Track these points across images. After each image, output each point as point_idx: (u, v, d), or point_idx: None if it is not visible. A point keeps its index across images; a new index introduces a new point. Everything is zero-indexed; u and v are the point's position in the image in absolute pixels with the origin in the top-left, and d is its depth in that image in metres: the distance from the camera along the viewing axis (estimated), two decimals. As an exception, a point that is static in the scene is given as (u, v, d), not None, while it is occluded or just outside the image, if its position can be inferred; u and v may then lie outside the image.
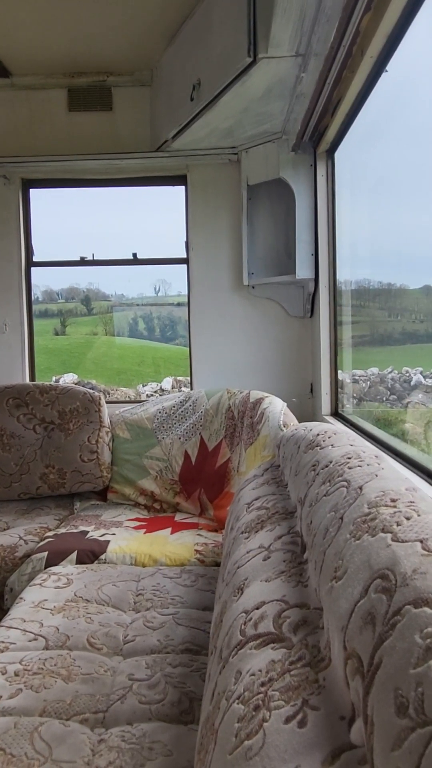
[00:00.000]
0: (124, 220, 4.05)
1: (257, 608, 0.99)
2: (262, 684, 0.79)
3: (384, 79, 2.08)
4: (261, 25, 2.11)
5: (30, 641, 1.60)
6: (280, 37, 2.05)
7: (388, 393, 2.76)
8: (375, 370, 2.88)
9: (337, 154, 2.90)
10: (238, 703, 0.80)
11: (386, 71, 2.04)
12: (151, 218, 3.97)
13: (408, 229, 2.27)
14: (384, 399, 2.78)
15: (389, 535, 0.79)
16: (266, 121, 2.84)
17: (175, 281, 4.32)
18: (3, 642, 1.59)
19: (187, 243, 3.46)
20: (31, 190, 3.52)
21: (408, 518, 0.83)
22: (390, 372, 2.79)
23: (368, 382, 2.91)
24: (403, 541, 0.76)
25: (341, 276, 2.99)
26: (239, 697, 0.81)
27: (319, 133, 2.77)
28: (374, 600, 0.69)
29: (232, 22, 2.27)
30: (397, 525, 0.81)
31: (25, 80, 3.33)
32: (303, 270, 3.05)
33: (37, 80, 3.33)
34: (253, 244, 3.33)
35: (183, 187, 3.45)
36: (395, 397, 2.72)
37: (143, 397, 4.25)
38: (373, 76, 2.07)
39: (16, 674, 1.44)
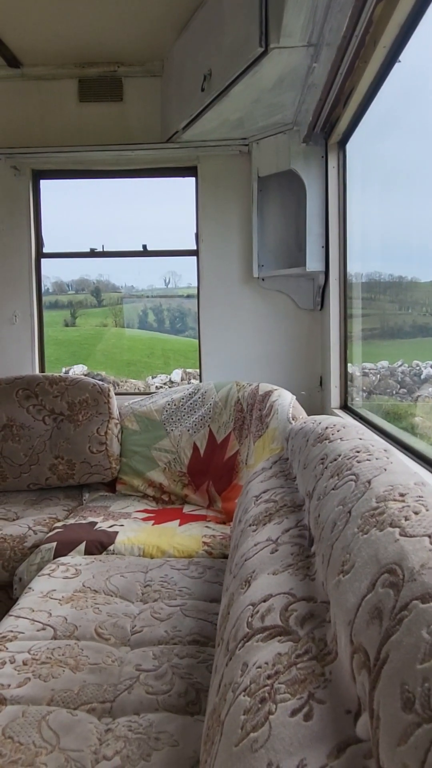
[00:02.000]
0: (134, 212, 4.04)
1: (264, 601, 0.99)
2: (269, 676, 0.79)
3: (397, 69, 2.06)
4: (273, 15, 2.09)
5: (38, 631, 1.61)
6: (292, 26, 2.03)
7: (398, 386, 2.75)
8: (385, 363, 2.87)
9: (348, 146, 2.87)
10: (244, 696, 0.80)
11: (399, 61, 2.02)
12: (161, 210, 3.96)
13: (419, 222, 2.25)
14: (394, 392, 2.76)
15: (397, 530, 0.79)
16: (277, 112, 2.81)
17: (185, 273, 4.31)
18: (12, 631, 1.60)
19: (197, 235, 3.45)
20: (41, 181, 3.52)
21: (416, 513, 0.82)
22: (400, 365, 2.77)
23: (378, 376, 2.90)
24: (411, 536, 0.75)
25: (352, 269, 2.97)
26: (245, 689, 0.81)
27: (330, 125, 2.75)
28: (381, 595, 0.69)
29: (244, 12, 2.25)
30: (406, 520, 0.81)
31: (36, 71, 3.32)
32: (313, 262, 3.03)
33: (48, 71, 3.32)
34: (263, 236, 3.32)
35: (193, 179, 3.44)
36: (405, 390, 2.71)
37: (152, 389, 4.26)
38: (385, 66, 2.04)
39: (25, 663, 1.45)
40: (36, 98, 3.38)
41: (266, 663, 0.82)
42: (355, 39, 1.89)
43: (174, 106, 3.09)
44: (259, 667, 0.83)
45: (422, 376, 2.61)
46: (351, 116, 2.53)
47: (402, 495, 0.91)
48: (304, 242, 3.05)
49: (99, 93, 3.35)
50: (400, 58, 1.99)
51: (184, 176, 3.48)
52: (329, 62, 2.11)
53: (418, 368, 2.65)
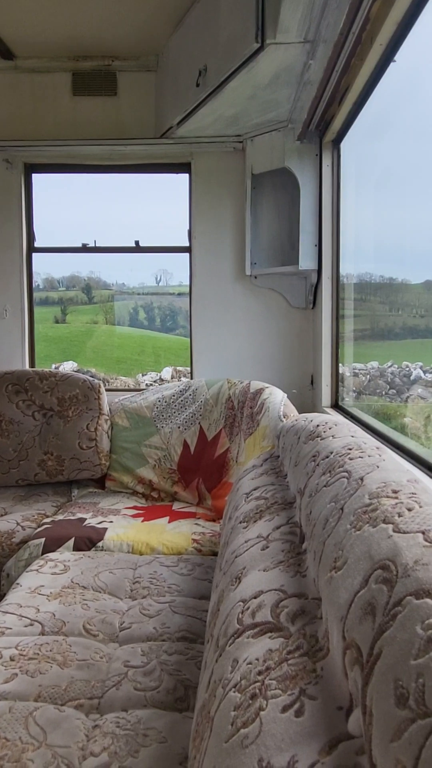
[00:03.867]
0: (126, 208, 4.02)
1: (255, 597, 0.99)
2: (259, 673, 0.79)
3: (392, 69, 2.06)
4: (269, 10, 2.08)
5: (26, 626, 1.60)
6: (289, 22, 2.02)
7: (388, 387, 2.75)
8: (375, 364, 2.87)
9: (342, 145, 2.87)
10: (234, 692, 0.79)
11: (394, 61, 2.02)
12: (154, 206, 3.94)
13: (411, 224, 2.25)
14: (383, 393, 2.77)
15: (390, 526, 0.78)
16: (272, 109, 2.81)
17: (176, 271, 4.30)
18: (-1, 627, 1.59)
19: (189, 232, 3.44)
20: (33, 175, 3.49)
21: (410, 509, 0.82)
22: (390, 366, 2.77)
23: (368, 376, 2.91)
24: (404, 532, 0.75)
25: (344, 269, 2.97)
26: (236, 685, 0.80)
27: (325, 123, 2.74)
28: (375, 591, 0.68)
29: (240, 7, 2.24)
30: (399, 516, 0.80)
31: (29, 63, 3.29)
32: (306, 261, 3.03)
33: (41, 63, 3.29)
34: (256, 233, 3.31)
35: (187, 175, 3.43)
36: (394, 391, 2.72)
37: (142, 387, 4.24)
38: (381, 64, 2.04)
39: (12, 659, 1.43)
40: (29, 91, 3.35)
41: (257, 659, 0.82)
42: (351, 36, 1.89)
43: (168, 101, 3.08)
44: (250, 663, 0.82)
45: (411, 377, 2.61)
46: (346, 115, 2.53)
47: (395, 492, 0.90)
48: (297, 240, 3.05)
49: (93, 87, 3.32)
50: (396, 57, 1.99)
51: (177, 172, 3.47)
52: (325, 59, 2.10)
53: (407, 369, 2.65)
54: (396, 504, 0.85)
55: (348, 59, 2.03)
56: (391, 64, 2.04)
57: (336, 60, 2.06)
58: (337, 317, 3.00)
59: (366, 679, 0.61)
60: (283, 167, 3.02)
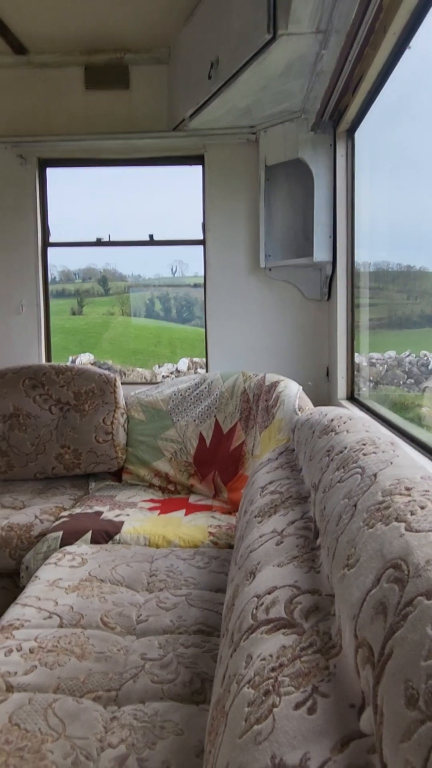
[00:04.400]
0: (140, 201, 4.02)
1: (269, 593, 0.99)
2: (273, 669, 0.79)
3: (407, 56, 2.03)
4: (281, 1, 2.06)
5: (45, 619, 1.62)
6: (301, 12, 2.00)
7: (405, 377, 2.74)
8: (392, 353, 2.85)
9: (357, 134, 2.84)
10: (248, 688, 0.80)
11: (409, 48, 1.99)
12: (167, 199, 3.94)
13: (429, 211, 2.22)
14: (401, 383, 2.75)
15: (403, 525, 0.78)
16: (285, 100, 2.79)
17: (192, 262, 4.28)
18: (18, 619, 1.62)
19: (203, 224, 3.44)
20: (47, 170, 3.51)
21: (422, 507, 0.82)
22: (408, 356, 2.76)
23: (385, 366, 2.89)
24: (416, 531, 0.75)
25: (359, 258, 2.95)
26: (249, 681, 0.81)
27: (339, 113, 2.72)
28: (386, 590, 0.68)
29: (252, -2, 2.22)
30: (411, 514, 0.80)
31: (42, 58, 3.30)
32: (321, 252, 3.01)
33: (54, 58, 3.29)
34: (270, 225, 3.30)
35: (200, 168, 3.42)
36: (412, 381, 2.70)
37: (159, 378, 4.26)
38: (395, 52, 2.01)
39: (31, 651, 1.46)
40: (42, 86, 3.36)
41: (270, 655, 0.83)
42: (364, 25, 1.87)
43: (181, 93, 3.07)
44: (264, 659, 0.83)
45: (430, 367, 2.60)
46: (360, 104, 2.50)
47: (408, 489, 0.90)
48: (311, 232, 3.03)
49: (105, 80, 3.32)
50: (411, 44, 1.96)
51: (190, 165, 3.46)
52: (338, 49, 2.08)
53: (425, 358, 2.63)
54: (409, 501, 0.85)
55: (361, 48, 2.01)
56: (407, 51, 2.01)
57: (349, 50, 2.04)
58: (353, 309, 2.98)
59: (377, 678, 0.61)
60: (297, 158, 3.00)
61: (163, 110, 3.32)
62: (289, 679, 0.76)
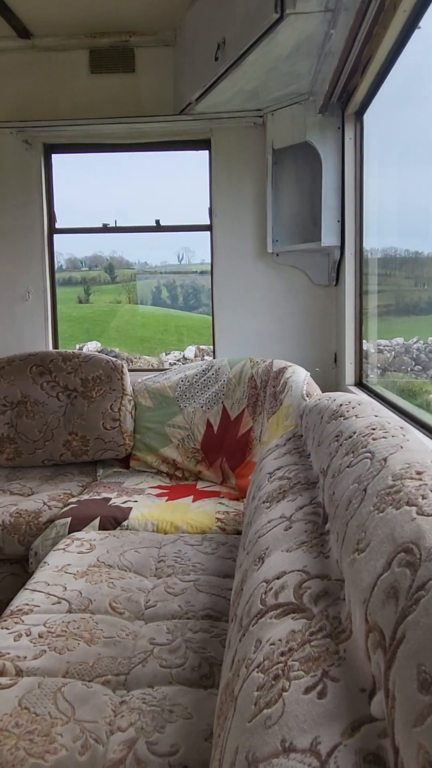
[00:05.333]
0: (147, 187, 3.99)
1: (278, 578, 0.99)
2: (282, 653, 0.79)
3: (416, 36, 1.99)
4: (289, -21, 2.03)
5: (54, 604, 1.63)
6: (309, -9, 1.97)
7: (413, 363, 2.72)
8: (400, 340, 2.83)
9: (366, 117, 2.80)
10: (257, 672, 0.80)
11: (419, 27, 1.95)
12: (174, 184, 3.91)
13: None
14: (409, 369, 2.73)
15: (414, 509, 0.77)
16: (293, 82, 2.75)
17: (198, 249, 4.27)
18: (28, 604, 1.62)
19: (210, 209, 3.41)
20: (53, 156, 3.48)
21: (434, 491, 0.81)
22: (415, 342, 2.74)
23: (393, 353, 2.87)
24: (428, 515, 0.74)
25: (367, 244, 2.92)
26: (259, 665, 0.81)
27: (347, 94, 2.68)
28: (398, 574, 0.68)
29: (259, -23, 2.18)
30: (423, 498, 0.79)
31: (46, 41, 3.26)
32: (329, 237, 2.98)
33: (58, 41, 3.26)
34: (277, 210, 3.26)
35: (207, 152, 3.38)
36: (420, 367, 2.68)
37: (166, 366, 4.25)
38: (405, 32, 1.98)
39: (40, 636, 1.47)
40: (47, 70, 3.33)
41: (280, 640, 0.82)
42: (374, 3, 1.83)
43: (187, 76, 3.03)
44: (273, 643, 0.82)
45: (438, 353, 2.58)
46: (369, 85, 2.46)
47: (419, 473, 0.89)
48: (319, 216, 3.00)
49: (110, 64, 3.29)
50: (420, 24, 1.92)
51: (197, 149, 3.43)
52: (347, 28, 2.04)
53: (433, 345, 2.62)
54: (420, 486, 0.84)
55: (370, 27, 1.97)
56: (416, 30, 1.97)
57: (358, 29, 2.00)
58: (361, 294, 2.96)
59: (389, 662, 0.60)
60: (305, 141, 2.96)
61: (169, 94, 3.28)
62: (298, 663, 0.75)
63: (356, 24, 1.98)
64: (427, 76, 2.17)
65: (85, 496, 2.55)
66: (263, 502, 1.43)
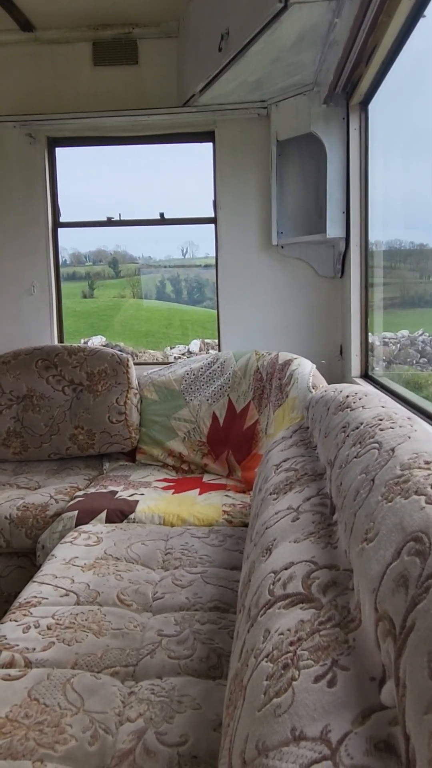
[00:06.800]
0: (151, 179, 3.98)
1: (286, 569, 0.99)
2: (291, 643, 0.79)
3: (421, 25, 1.97)
4: (293, -32, 2.01)
5: (62, 597, 1.63)
6: (313, -21, 1.95)
7: (419, 356, 2.71)
8: (405, 332, 2.82)
9: (371, 107, 2.78)
10: (266, 661, 0.80)
11: (424, 16, 1.93)
12: (178, 177, 3.89)
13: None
14: (414, 362, 2.73)
15: (423, 498, 0.77)
16: (297, 72, 2.73)
17: (202, 243, 4.25)
18: (36, 597, 1.63)
19: (214, 202, 3.40)
20: (57, 149, 3.47)
21: (442, 481, 0.81)
22: (421, 335, 2.73)
23: (398, 345, 2.86)
24: (437, 504, 0.74)
25: (373, 236, 2.90)
26: (268, 655, 0.81)
27: (352, 84, 2.66)
28: (407, 563, 0.67)
29: (263, -34, 2.16)
30: (431, 487, 0.79)
31: (49, 34, 3.24)
32: (334, 229, 2.96)
33: (61, 34, 3.24)
34: (282, 202, 3.25)
35: (211, 144, 3.37)
36: (425, 360, 2.67)
37: (170, 360, 4.25)
38: (410, 21, 1.96)
39: (49, 628, 1.47)
40: (50, 63, 3.31)
41: (288, 630, 0.82)
42: (379, -9, 1.82)
43: (190, 68, 3.01)
44: (282, 633, 0.82)
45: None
46: (374, 75, 2.45)
47: (427, 462, 0.89)
48: (324, 208, 2.98)
49: (113, 56, 3.27)
50: (425, 12, 1.90)
51: (201, 141, 3.41)
52: (351, 17, 2.02)
53: (439, 337, 2.61)
54: (428, 475, 0.84)
55: (375, 16, 1.95)
56: (421, 19, 1.96)
57: (363, 18, 1.98)
58: (366, 286, 2.95)
59: (399, 651, 0.60)
60: (309, 132, 2.94)
61: (173, 86, 3.26)
62: (308, 652, 0.75)
63: (361, 13, 1.96)
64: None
65: (92, 490, 2.55)
66: (270, 494, 1.43)
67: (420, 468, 0.88)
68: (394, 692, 0.61)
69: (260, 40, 2.32)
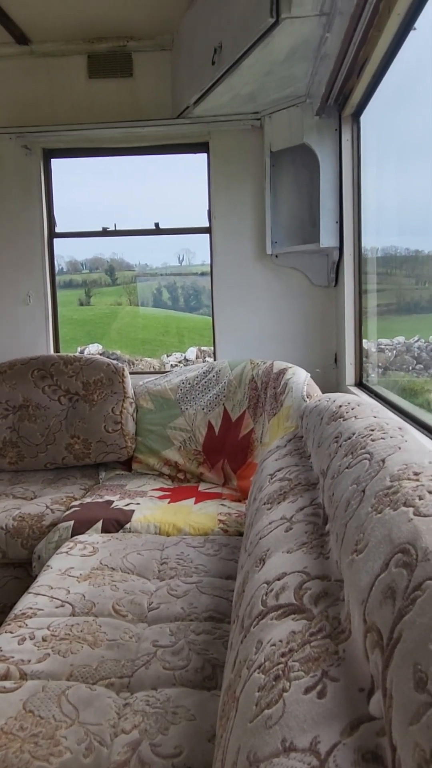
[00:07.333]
0: (146, 190, 4.01)
1: (279, 579, 1.00)
2: (283, 654, 0.80)
3: (412, 37, 2.00)
4: (284, -16, 2.04)
5: (57, 608, 1.64)
6: (304, -5, 1.98)
7: (414, 362, 2.73)
8: (401, 338, 2.84)
9: (362, 118, 2.81)
10: (258, 673, 0.81)
11: (414, 29, 1.96)
12: (173, 187, 3.92)
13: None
14: (410, 368, 2.74)
15: (411, 509, 0.78)
16: (290, 85, 2.76)
17: (198, 250, 4.28)
18: (31, 608, 1.63)
19: (209, 212, 3.42)
20: (52, 161, 3.50)
21: (431, 492, 0.82)
22: (417, 341, 2.74)
23: (394, 352, 2.88)
24: (425, 516, 0.75)
25: (367, 243, 2.93)
26: (260, 666, 0.82)
27: (344, 96, 2.69)
28: (395, 574, 0.68)
29: (255, -19, 2.19)
30: (420, 499, 0.80)
31: (45, 47, 3.28)
32: (327, 238, 2.99)
33: (57, 47, 3.27)
34: (276, 212, 3.27)
35: (205, 155, 3.39)
36: (422, 366, 2.69)
37: (167, 367, 4.26)
38: (400, 34, 1.99)
39: (44, 639, 1.48)
40: (45, 75, 3.34)
41: (280, 641, 0.83)
42: (368, 6, 1.84)
43: (184, 80, 3.04)
44: (273, 644, 0.83)
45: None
46: (365, 87, 2.48)
47: (416, 474, 0.90)
48: (317, 218, 3.01)
49: (108, 69, 3.30)
50: (416, 25, 1.93)
51: (195, 152, 3.44)
52: (342, 32, 2.05)
53: (434, 344, 2.62)
54: (417, 486, 0.85)
55: (365, 31, 1.98)
56: (411, 32, 1.98)
57: (353, 32, 2.01)
58: (360, 295, 2.97)
59: (386, 662, 0.61)
60: (302, 143, 2.97)
61: (167, 98, 3.29)
62: (299, 663, 0.76)
63: (351, 27, 1.99)
64: (424, 77, 2.18)
65: (88, 499, 2.56)
66: (264, 504, 1.44)
67: (409, 479, 0.89)
68: (381, 703, 0.62)
69: (253, 54, 2.34)
